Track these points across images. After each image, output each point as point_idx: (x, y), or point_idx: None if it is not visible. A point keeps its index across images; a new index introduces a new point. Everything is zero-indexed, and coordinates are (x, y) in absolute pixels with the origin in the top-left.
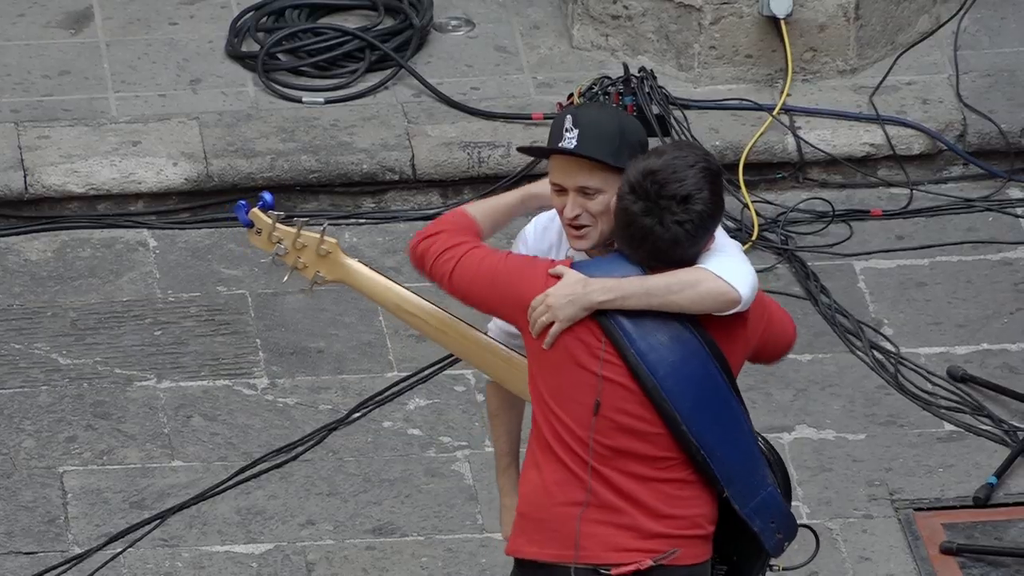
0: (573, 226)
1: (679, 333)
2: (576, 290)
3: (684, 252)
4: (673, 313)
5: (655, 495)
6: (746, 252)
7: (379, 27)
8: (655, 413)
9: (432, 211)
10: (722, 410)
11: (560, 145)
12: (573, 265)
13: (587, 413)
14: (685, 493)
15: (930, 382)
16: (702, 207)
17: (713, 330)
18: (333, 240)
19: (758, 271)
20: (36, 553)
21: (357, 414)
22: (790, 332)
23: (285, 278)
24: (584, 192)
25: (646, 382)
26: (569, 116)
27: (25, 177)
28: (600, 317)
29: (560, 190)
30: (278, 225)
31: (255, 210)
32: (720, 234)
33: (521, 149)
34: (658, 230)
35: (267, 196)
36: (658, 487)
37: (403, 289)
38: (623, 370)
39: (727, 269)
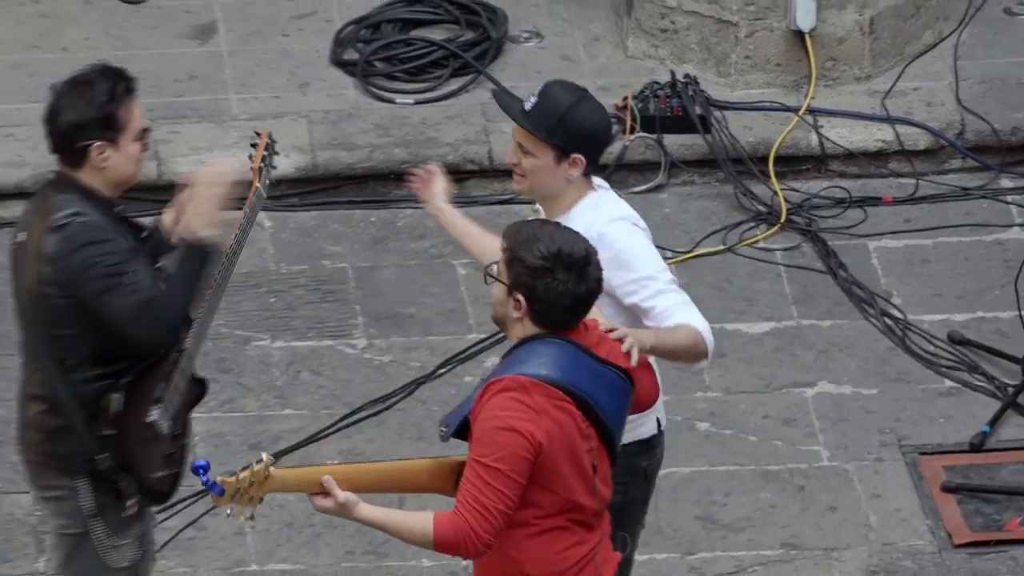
0: (513, 170)
1: (614, 380)
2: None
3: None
4: (613, 364)
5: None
6: (775, 234)
7: (461, 39)
8: (609, 455)
9: (506, 197)
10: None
11: (521, 104)
12: (513, 367)
13: (588, 482)
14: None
15: (933, 344)
16: (596, 252)
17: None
18: (268, 457)
19: (786, 250)
20: None
21: (443, 370)
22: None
23: (234, 514)
24: (521, 147)
25: (609, 437)
26: (544, 84)
27: (159, 166)
28: (581, 403)
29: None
30: (240, 475)
31: (221, 477)
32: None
33: (495, 92)
34: (587, 289)
35: (201, 462)
36: (608, 512)
37: (322, 466)
38: (596, 436)
39: (704, 326)
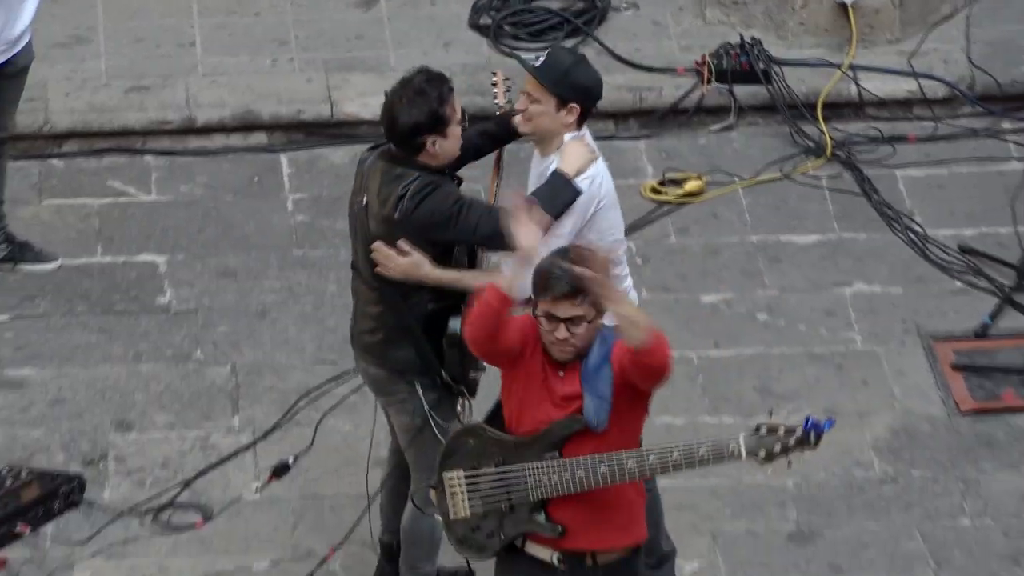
0: (522, 115)
1: None
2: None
3: None
4: None
5: None
6: (822, 165)
7: (573, 8)
8: None
9: (605, 135)
10: None
11: (530, 62)
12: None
13: None
14: None
15: (946, 253)
16: None
17: None
18: None
19: (830, 177)
20: (336, 363)
21: None
22: None
23: None
24: (529, 96)
25: None
26: (550, 48)
27: (332, 107)
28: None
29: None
30: None
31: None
32: None
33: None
34: None
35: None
36: None
37: None
38: None
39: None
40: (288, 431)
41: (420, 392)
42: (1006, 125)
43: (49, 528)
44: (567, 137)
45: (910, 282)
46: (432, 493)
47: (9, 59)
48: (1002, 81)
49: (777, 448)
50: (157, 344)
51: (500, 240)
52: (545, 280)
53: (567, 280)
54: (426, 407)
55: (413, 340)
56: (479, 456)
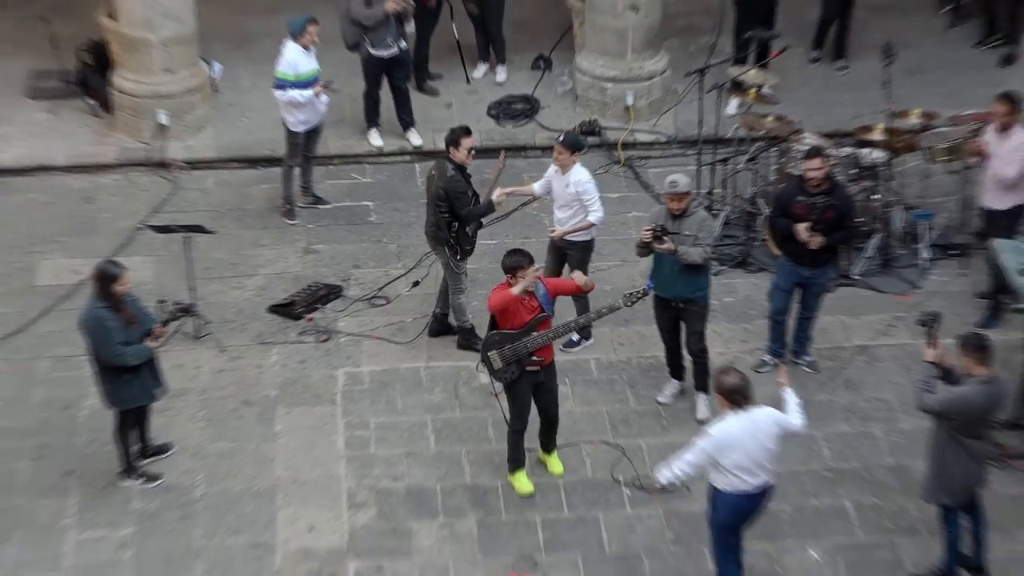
0: (556, 157)
1: None
2: None
3: None
4: None
5: None
6: (621, 167)
7: (525, 108)
8: None
9: (540, 156)
10: None
11: (558, 137)
12: None
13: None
14: None
15: (662, 202)
16: None
17: None
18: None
19: (625, 173)
20: None
21: None
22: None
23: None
24: (559, 150)
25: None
26: (563, 133)
27: (433, 146)
28: None
29: None
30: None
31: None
32: None
33: (564, 133)
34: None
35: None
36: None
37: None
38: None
39: (595, 218)
40: (420, 268)
41: (447, 252)
42: (689, 153)
43: (328, 307)
44: (575, 165)
45: (647, 211)
46: (480, 364)
47: (315, 125)
48: (688, 134)
49: (634, 299)
50: (369, 236)
51: (469, 221)
52: (528, 262)
53: (530, 261)
54: (448, 257)
55: (447, 234)
56: (501, 342)
